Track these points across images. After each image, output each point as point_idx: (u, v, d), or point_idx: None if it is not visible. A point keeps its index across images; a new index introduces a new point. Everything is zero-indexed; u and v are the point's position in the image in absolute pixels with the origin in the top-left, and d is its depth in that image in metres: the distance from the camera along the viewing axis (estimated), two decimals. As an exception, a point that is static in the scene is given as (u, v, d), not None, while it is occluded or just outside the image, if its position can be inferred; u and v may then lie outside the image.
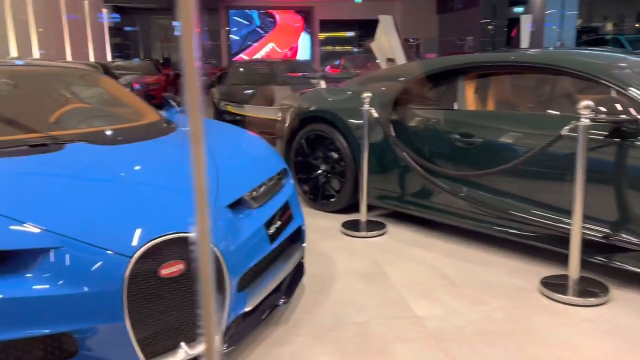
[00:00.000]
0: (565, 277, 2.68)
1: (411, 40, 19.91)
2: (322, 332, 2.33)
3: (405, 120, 3.61)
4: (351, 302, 2.63)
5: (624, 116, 2.65)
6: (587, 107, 2.50)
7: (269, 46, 22.35)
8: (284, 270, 2.39)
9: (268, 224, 2.25)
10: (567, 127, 2.60)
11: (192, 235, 1.80)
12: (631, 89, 2.73)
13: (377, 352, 2.18)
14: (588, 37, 17.80)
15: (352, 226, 3.66)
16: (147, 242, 1.72)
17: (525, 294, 2.69)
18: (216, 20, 21.56)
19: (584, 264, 2.71)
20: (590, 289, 2.63)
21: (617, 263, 2.68)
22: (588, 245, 2.74)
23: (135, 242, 1.71)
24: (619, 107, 2.72)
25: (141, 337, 1.72)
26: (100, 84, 3.19)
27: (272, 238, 2.24)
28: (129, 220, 1.78)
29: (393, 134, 3.56)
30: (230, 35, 21.98)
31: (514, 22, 15.31)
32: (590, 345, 2.21)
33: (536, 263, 3.05)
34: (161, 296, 1.76)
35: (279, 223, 2.33)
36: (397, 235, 3.60)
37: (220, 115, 7.17)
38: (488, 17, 17.36)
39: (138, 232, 1.74)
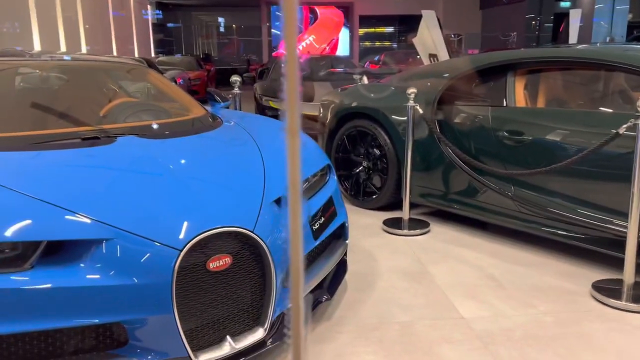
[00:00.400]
0: (619, 282, 2.56)
1: (452, 35, 19.55)
2: (365, 331, 2.31)
3: (451, 116, 3.54)
4: (395, 301, 2.59)
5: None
6: (647, 105, 2.38)
7: (309, 40, 22.37)
8: (327, 267, 2.37)
9: (312, 220, 2.23)
10: (625, 125, 2.48)
11: (238, 229, 1.82)
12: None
13: (422, 352, 2.14)
14: (639, 32, 17.08)
15: (394, 224, 3.61)
16: (196, 236, 1.73)
17: (575, 298, 2.59)
18: (257, 16, 21.71)
19: (638, 268, 2.59)
20: (646, 295, 2.51)
21: (676, 269, 2.55)
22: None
23: (184, 235, 1.72)
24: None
25: (188, 329, 1.73)
26: (147, 78, 3.24)
27: (316, 234, 2.23)
28: (178, 213, 1.80)
29: (438, 130, 3.49)
30: (272, 30, 22.12)
31: (561, 17, 14.85)
32: (647, 354, 2.11)
33: (586, 266, 2.94)
34: (208, 289, 1.77)
35: (322, 219, 2.31)
36: (441, 234, 3.53)
37: (262, 110, 7.23)
38: (534, 12, 16.87)
39: (187, 225, 1.76)
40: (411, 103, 3.46)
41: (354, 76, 5.81)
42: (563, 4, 17.25)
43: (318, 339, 2.24)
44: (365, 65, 13.07)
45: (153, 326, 1.68)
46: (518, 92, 3.30)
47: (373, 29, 23.39)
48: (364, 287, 2.74)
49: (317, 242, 2.25)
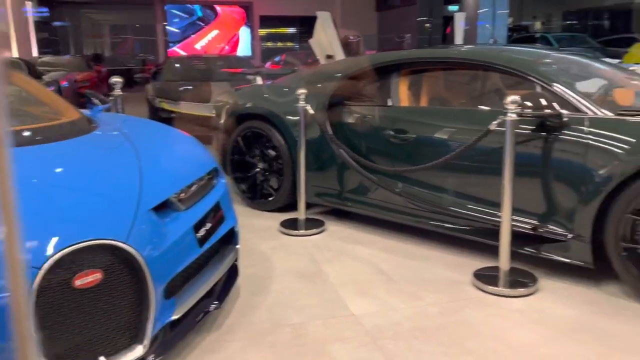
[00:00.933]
0: (496, 269, 2.73)
1: (351, 37, 20.02)
2: (257, 336, 2.26)
3: (342, 116, 3.59)
4: (288, 303, 2.57)
5: (548, 111, 2.73)
6: (513, 102, 2.55)
7: (208, 38, 21.93)
8: (216, 274, 2.30)
9: (197, 227, 2.15)
10: (495, 122, 2.64)
11: (109, 242, 1.70)
12: (555, 84, 2.83)
13: (313, 353, 2.14)
14: (519, 35, 18.59)
15: (290, 225, 3.60)
16: (60, 251, 1.59)
17: (459, 287, 2.72)
18: (152, 15, 20.85)
19: (515, 256, 2.78)
20: (520, 280, 2.70)
21: (545, 253, 2.76)
22: (519, 237, 2.82)
23: (45, 251, 1.58)
24: (543, 102, 2.80)
25: (54, 353, 1.59)
26: (11, 81, 2.95)
27: (202, 241, 2.15)
28: (38, 227, 1.64)
29: (330, 130, 3.53)
30: (168, 28, 21.38)
31: (449, 20, 15.73)
32: (519, 335, 2.26)
33: (471, 256, 3.10)
34: (76, 309, 1.64)
35: (209, 225, 2.23)
36: (336, 232, 3.57)
37: (155, 112, 6.91)
38: (425, 15, 17.75)
39: (49, 240, 1.61)
40: (302, 104, 3.47)
41: (248, 76, 5.75)
42: (451, 8, 18.29)
43: (207, 350, 2.16)
44: (267, 66, 13.03)
45: (9, 355, 1.51)
46: (402, 92, 3.43)
47: (275, 30, 23.37)
48: (258, 291, 2.69)
49: (204, 249, 2.17)
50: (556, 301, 2.55)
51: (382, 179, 3.36)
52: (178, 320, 2.01)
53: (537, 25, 23.47)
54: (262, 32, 22.78)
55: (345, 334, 2.28)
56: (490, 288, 2.65)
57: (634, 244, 2.48)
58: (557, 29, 22.15)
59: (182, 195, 2.19)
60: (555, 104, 2.75)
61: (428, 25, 18.14)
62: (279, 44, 23.23)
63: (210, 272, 2.28)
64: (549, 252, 2.76)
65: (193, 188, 2.28)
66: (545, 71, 2.96)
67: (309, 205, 3.83)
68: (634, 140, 2.48)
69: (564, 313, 2.44)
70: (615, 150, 2.50)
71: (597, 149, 2.55)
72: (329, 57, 8.03)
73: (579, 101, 2.75)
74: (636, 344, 2.17)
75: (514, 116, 2.56)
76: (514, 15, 21.58)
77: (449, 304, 2.55)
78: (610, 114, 2.67)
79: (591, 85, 3.16)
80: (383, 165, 3.34)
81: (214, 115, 4.42)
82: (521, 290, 2.62)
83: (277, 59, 13.36)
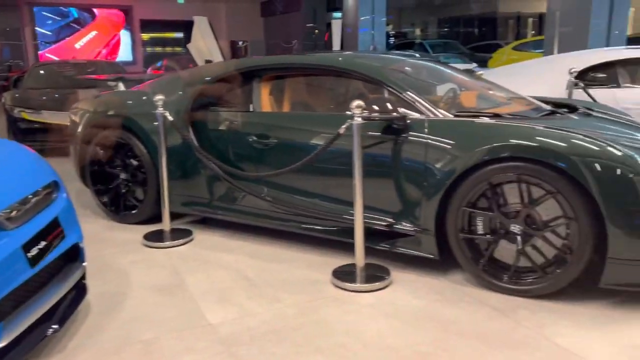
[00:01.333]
0: (353, 266, 2.84)
1: (240, 43, 19.93)
2: (103, 357, 2.15)
3: (205, 122, 3.54)
4: (143, 318, 2.48)
5: (394, 114, 2.88)
6: (358, 107, 2.66)
7: (84, 40, 20.66)
8: (55, 295, 2.16)
9: (28, 246, 2.00)
10: (344, 126, 2.75)
11: None
12: (401, 88, 2.99)
13: (162, 368, 2.08)
14: (399, 41, 19.63)
15: (155, 237, 3.48)
16: None
17: (319, 287, 2.79)
18: (17, 17, 19.19)
19: (375, 252, 2.90)
20: (375, 275, 2.83)
21: (399, 248, 2.92)
22: (376, 234, 2.95)
23: None
24: (390, 105, 2.96)
25: None
26: None
27: (34, 261, 2.00)
28: None
29: (192, 137, 3.47)
30: (41, 30, 19.82)
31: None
32: (369, 328, 2.36)
33: (334, 255, 3.17)
34: None
35: (43, 243, 2.08)
36: (204, 241, 3.51)
37: (14, 123, 6.34)
38: (309, 21, 18.12)
39: None
40: (160, 110, 3.37)
41: (109, 83, 5.48)
42: (335, 15, 18.84)
43: (44, 377, 2.01)
44: (148, 71, 12.54)
45: None
46: (263, 97, 3.46)
47: (160, 34, 22.61)
48: (110, 309, 2.56)
49: (37, 270, 2.02)
50: (406, 293, 2.70)
51: (247, 184, 3.36)
52: (7, 347, 1.86)
53: (417, 32, 24.93)
54: (146, 36, 21.96)
55: (199, 345, 2.24)
56: (347, 285, 2.74)
57: (470, 234, 2.71)
58: (434, 36, 23.68)
59: (14, 213, 2.03)
60: (400, 108, 2.91)
61: (317, 31, 18.56)
62: (168, 49, 22.54)
63: (49, 293, 2.13)
64: (402, 247, 2.92)
65: (26, 205, 2.12)
66: (392, 76, 3.13)
67: (178, 215, 3.73)
68: (465, 139, 2.69)
69: (412, 303, 2.59)
70: (450, 149, 2.70)
71: (436, 149, 2.75)
72: (208, 62, 7.91)
73: (422, 104, 2.93)
74: (470, 327, 2.36)
75: (360, 120, 2.67)
76: (394, 22, 22.74)
77: (307, 303, 2.60)
78: (449, 116, 2.88)
79: (438, 89, 3.41)
80: (247, 171, 3.34)
81: (69, 123, 4.16)
82: (375, 285, 2.74)
83: (158, 64, 12.91)
